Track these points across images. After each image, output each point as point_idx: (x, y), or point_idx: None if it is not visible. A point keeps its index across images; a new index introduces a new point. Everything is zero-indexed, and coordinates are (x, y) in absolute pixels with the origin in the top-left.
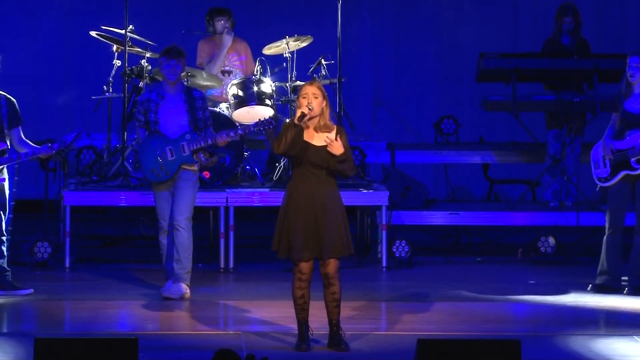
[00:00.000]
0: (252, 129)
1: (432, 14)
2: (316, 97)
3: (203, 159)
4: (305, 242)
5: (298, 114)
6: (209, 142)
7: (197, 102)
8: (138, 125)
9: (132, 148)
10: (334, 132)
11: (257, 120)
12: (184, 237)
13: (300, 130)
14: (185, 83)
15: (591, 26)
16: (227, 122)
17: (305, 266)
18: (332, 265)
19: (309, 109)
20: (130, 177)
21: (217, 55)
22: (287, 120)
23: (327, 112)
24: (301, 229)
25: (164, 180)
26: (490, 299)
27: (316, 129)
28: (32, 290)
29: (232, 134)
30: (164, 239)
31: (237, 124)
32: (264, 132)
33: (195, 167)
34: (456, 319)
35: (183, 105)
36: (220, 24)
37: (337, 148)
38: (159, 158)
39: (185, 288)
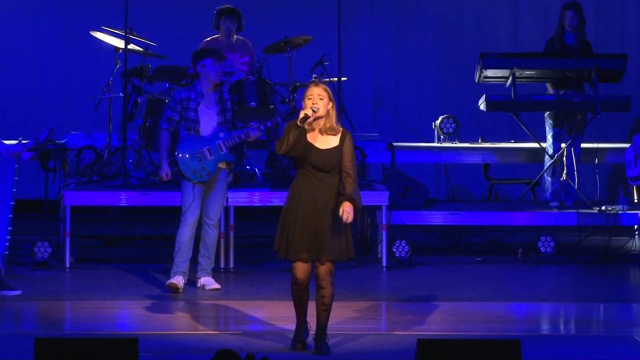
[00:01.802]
0: (279, 120)
1: (432, 14)
2: (322, 99)
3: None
4: (303, 243)
5: (301, 115)
6: (242, 137)
7: (227, 103)
8: (166, 128)
9: (133, 148)
10: (339, 135)
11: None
12: (215, 235)
13: (302, 132)
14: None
15: (591, 26)
16: None
17: (301, 269)
18: (324, 267)
19: (313, 111)
20: (130, 177)
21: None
22: (291, 121)
23: (333, 114)
24: (300, 230)
25: (206, 180)
26: (490, 299)
27: (321, 131)
28: (20, 291)
29: (262, 127)
30: (187, 233)
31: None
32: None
33: (228, 166)
34: (456, 319)
35: (216, 106)
36: (227, 24)
37: (349, 215)
38: (199, 159)
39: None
